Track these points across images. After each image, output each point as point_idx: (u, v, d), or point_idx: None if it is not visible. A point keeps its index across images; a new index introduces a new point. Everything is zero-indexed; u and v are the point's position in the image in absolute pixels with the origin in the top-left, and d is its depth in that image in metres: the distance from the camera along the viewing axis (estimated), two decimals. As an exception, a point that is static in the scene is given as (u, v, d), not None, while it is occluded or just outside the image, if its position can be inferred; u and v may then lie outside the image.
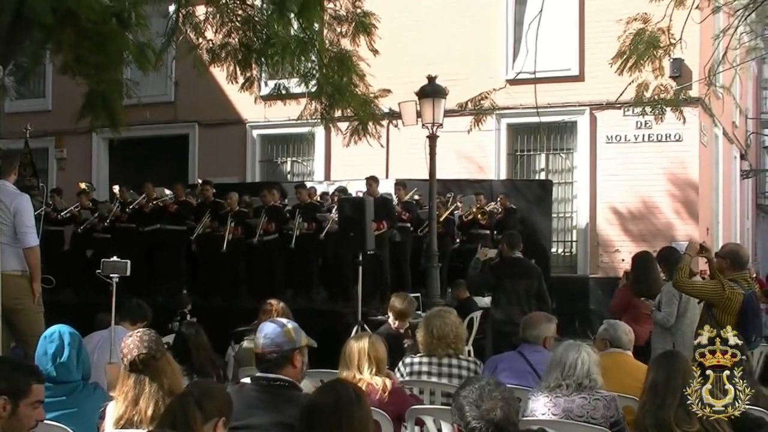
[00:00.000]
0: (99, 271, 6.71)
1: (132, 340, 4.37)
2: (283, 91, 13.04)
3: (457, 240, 15.22)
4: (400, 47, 16.87)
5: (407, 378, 5.90)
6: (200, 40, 12.25)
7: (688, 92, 14.41)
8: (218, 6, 11.76)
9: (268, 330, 4.30)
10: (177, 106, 20.15)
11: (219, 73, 13.08)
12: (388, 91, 13.14)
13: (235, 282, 13.61)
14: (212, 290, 13.65)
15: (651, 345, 7.90)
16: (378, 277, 13.04)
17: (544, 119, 15.32)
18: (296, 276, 13.65)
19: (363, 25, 11.77)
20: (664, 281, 8.06)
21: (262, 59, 11.86)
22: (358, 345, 5.19)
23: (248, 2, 11.91)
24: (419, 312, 11.69)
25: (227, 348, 8.49)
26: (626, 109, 16.09)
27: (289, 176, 19.80)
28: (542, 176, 17.96)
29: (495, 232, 14.59)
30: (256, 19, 11.76)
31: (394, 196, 14.04)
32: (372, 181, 13.41)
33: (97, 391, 4.98)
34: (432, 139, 13.19)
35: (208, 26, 12.06)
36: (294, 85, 12.76)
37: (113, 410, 4.28)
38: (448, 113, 13.74)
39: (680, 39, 11.45)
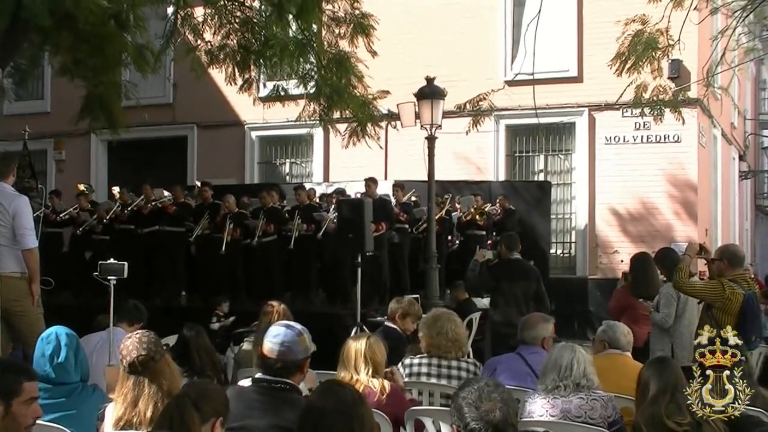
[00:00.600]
0: (96, 273, 6.70)
1: (131, 342, 4.37)
2: (282, 93, 13.06)
3: (456, 241, 15.23)
4: (399, 48, 16.89)
5: (407, 379, 5.90)
6: (199, 41, 12.26)
7: (687, 93, 14.44)
8: (217, 7, 11.77)
9: (285, 337, 4.24)
10: (176, 107, 20.17)
11: (218, 74, 13.10)
12: (387, 92, 13.15)
13: (233, 284, 13.60)
14: (211, 292, 13.63)
15: (650, 346, 7.90)
16: (377, 278, 13.03)
17: (543, 120, 15.33)
18: (295, 277, 13.63)
19: (361, 26, 11.78)
20: (663, 282, 8.06)
21: (261, 61, 11.87)
22: (356, 346, 5.19)
23: (247, 4, 11.93)
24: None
25: (226, 349, 8.50)
26: (625, 110, 16.13)
27: (287, 178, 19.80)
28: (541, 177, 17.97)
29: (494, 233, 14.60)
30: (255, 20, 11.78)
31: (392, 198, 14.03)
32: (371, 182, 13.41)
33: (96, 393, 4.98)
34: (430, 140, 13.19)
35: (207, 28, 12.07)
36: (293, 86, 12.77)
37: (112, 412, 4.28)
38: (447, 114, 13.75)
39: (678, 40, 11.47)
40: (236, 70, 12.18)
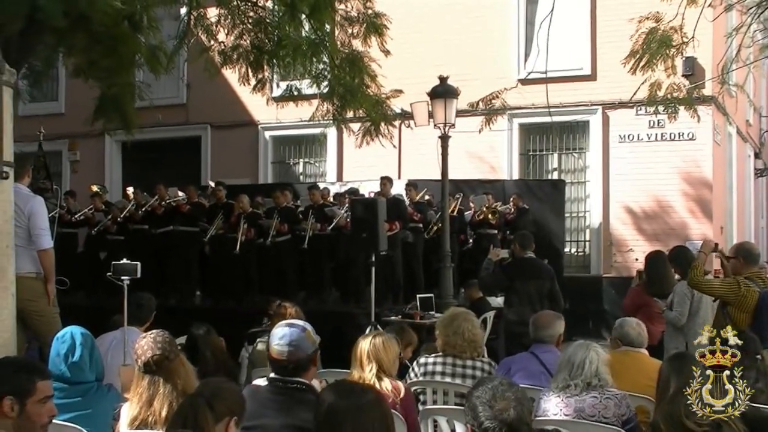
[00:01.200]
0: (110, 273, 6.72)
1: (146, 342, 4.39)
2: (295, 93, 13.10)
3: (470, 240, 15.21)
4: (412, 48, 16.87)
5: (421, 378, 5.90)
6: (212, 42, 12.30)
7: (701, 91, 14.36)
8: (229, 8, 11.81)
9: (291, 337, 4.22)
10: (189, 108, 20.20)
11: (231, 74, 13.14)
12: (400, 91, 13.17)
13: (247, 283, 13.63)
14: (224, 292, 13.68)
15: (664, 345, 7.87)
16: (390, 277, 13.04)
17: (556, 119, 15.28)
18: (308, 277, 13.65)
19: (374, 26, 11.80)
20: (677, 280, 8.03)
21: (274, 61, 11.91)
22: (362, 345, 5.19)
23: (260, 4, 11.95)
24: (432, 313, 11.73)
25: (240, 350, 8.51)
26: (639, 108, 16.05)
27: (301, 177, 19.80)
28: (555, 176, 17.91)
29: (507, 232, 14.57)
30: (268, 20, 11.81)
31: (405, 197, 14.03)
32: (386, 181, 13.42)
33: (111, 392, 5.00)
34: (444, 139, 13.17)
35: (220, 28, 12.11)
36: (306, 86, 12.81)
37: (128, 411, 4.31)
38: (460, 113, 13.74)
39: (693, 37, 11.41)
40: (249, 70, 12.21)
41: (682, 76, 14.81)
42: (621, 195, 17.05)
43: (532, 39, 13.55)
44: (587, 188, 17.69)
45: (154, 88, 13.10)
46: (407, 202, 13.81)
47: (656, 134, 16.71)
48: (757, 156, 24.47)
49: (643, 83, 11.88)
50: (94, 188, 16.40)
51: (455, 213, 14.38)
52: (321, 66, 11.96)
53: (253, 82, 12.46)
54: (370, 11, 11.96)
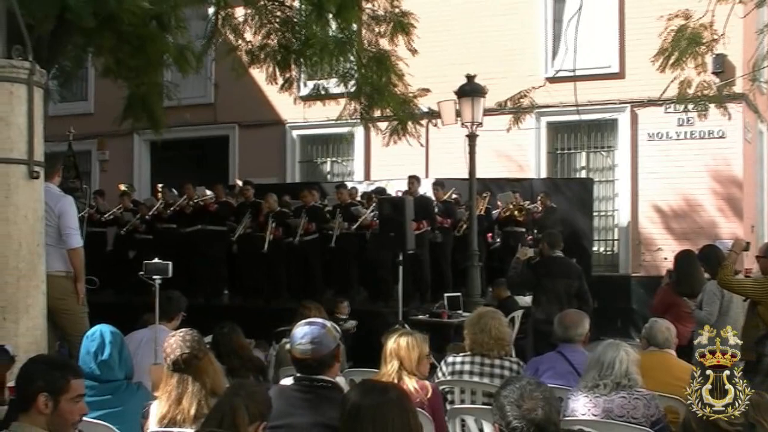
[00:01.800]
0: (142, 273, 6.77)
1: (174, 340, 4.42)
2: (323, 92, 13.13)
3: (497, 239, 15.17)
4: (439, 46, 16.84)
5: (449, 377, 5.89)
6: (239, 41, 12.36)
7: (732, 88, 14.23)
8: (257, 8, 11.86)
9: (313, 335, 4.19)
10: (217, 107, 20.28)
11: (258, 74, 13.19)
12: (427, 90, 13.15)
13: (275, 282, 13.67)
14: (252, 291, 13.73)
15: (693, 344, 7.81)
16: (418, 276, 13.03)
17: (585, 117, 15.22)
18: (336, 276, 13.67)
19: (401, 24, 11.79)
20: (707, 280, 7.96)
21: (301, 60, 11.94)
22: (388, 342, 5.19)
23: (287, 3, 11.99)
24: (460, 312, 11.71)
25: (269, 348, 8.53)
26: (668, 106, 15.92)
27: (328, 176, 19.83)
28: (583, 174, 17.82)
29: (535, 231, 14.51)
30: (295, 20, 11.85)
31: (432, 197, 14.00)
32: (414, 180, 13.42)
33: (140, 390, 5.04)
34: (471, 138, 13.14)
35: (247, 28, 12.17)
36: (333, 85, 12.84)
37: (157, 409, 4.33)
38: (488, 112, 13.69)
39: (723, 34, 11.32)
40: (277, 70, 12.25)
41: (712, 73, 14.68)
42: (650, 193, 16.93)
43: (560, 37, 13.53)
44: (616, 187, 17.58)
45: (182, 88, 13.19)
46: (434, 201, 13.78)
47: (685, 132, 16.58)
48: (788, 154, 24.19)
49: (672, 81, 11.79)
50: (122, 187, 16.53)
51: (483, 212, 14.33)
52: (348, 65, 11.98)
53: (280, 81, 12.50)
54: (396, 10, 11.96)
